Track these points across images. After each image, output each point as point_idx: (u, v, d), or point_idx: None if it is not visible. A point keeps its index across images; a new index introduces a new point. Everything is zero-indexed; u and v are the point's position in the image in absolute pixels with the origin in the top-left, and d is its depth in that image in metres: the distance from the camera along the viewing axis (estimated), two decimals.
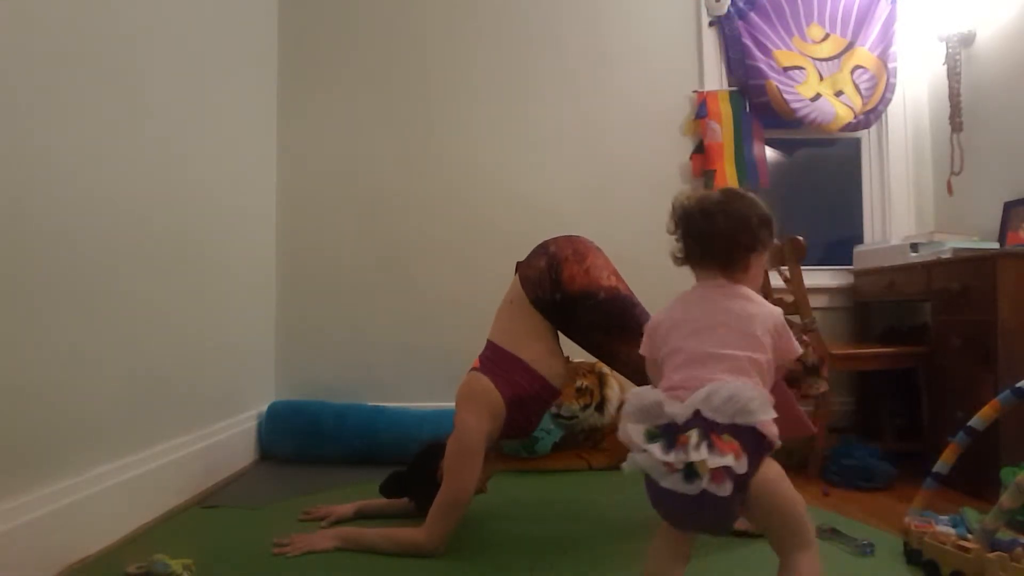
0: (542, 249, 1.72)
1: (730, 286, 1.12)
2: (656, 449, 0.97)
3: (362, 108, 2.88)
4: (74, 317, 1.50)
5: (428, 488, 1.58)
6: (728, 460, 0.92)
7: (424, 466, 1.68)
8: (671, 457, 0.95)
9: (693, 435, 0.95)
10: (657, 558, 1.09)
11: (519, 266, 1.76)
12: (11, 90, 1.32)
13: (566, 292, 1.63)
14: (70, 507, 1.45)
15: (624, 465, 1.02)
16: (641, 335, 1.22)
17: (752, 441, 0.96)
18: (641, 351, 1.21)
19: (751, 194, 1.18)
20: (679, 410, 0.99)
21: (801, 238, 2.30)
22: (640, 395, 1.06)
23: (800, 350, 1.13)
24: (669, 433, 0.98)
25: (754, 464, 0.96)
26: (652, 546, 1.10)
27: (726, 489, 0.92)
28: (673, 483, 0.95)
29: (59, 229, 1.45)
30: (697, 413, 0.97)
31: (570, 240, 1.72)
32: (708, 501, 0.93)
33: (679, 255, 1.18)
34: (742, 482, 0.95)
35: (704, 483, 0.92)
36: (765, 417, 0.97)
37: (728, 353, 1.05)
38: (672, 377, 1.07)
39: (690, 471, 0.93)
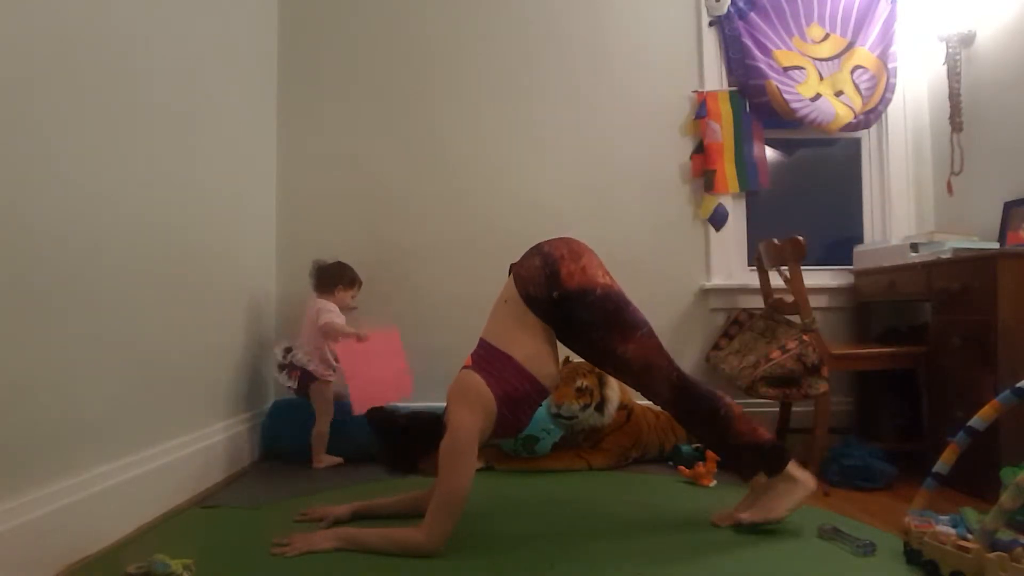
0: (536, 250, 1.73)
1: None
2: None
3: (362, 108, 2.88)
4: (74, 317, 1.50)
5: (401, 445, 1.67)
6: None
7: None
8: None
9: None
10: None
11: (513, 266, 1.76)
12: (11, 91, 1.32)
13: (564, 289, 1.63)
14: (70, 507, 1.45)
15: None
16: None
17: None
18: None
19: None
20: None
21: (801, 238, 2.30)
22: None
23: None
24: None
25: None
26: None
27: None
28: None
29: (59, 229, 1.45)
30: None
31: (564, 240, 1.73)
32: None
33: None
34: None
35: None
36: None
37: None
38: None
39: None
